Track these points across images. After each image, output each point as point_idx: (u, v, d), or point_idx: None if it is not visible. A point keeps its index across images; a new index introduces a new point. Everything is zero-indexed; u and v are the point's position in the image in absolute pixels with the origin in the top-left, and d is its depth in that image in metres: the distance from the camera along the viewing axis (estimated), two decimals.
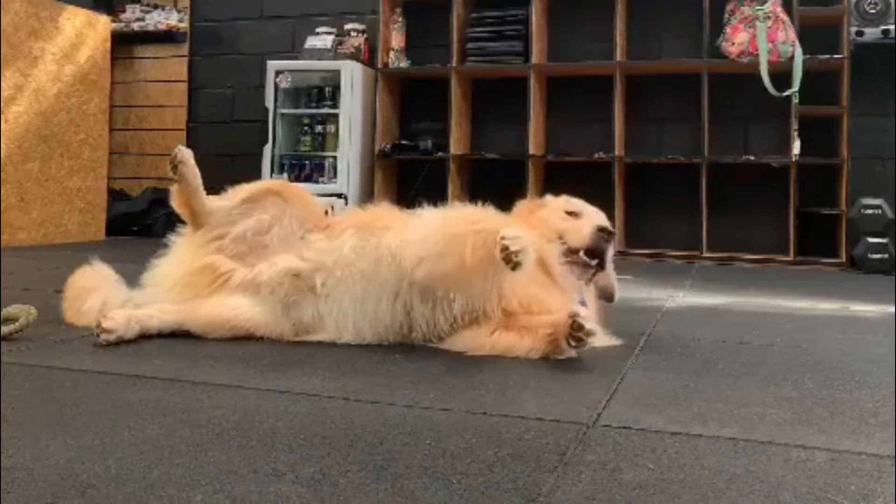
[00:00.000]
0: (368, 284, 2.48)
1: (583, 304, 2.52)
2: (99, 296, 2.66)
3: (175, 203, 2.67)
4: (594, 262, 2.61)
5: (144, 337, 2.42)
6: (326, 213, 2.97)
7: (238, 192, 2.72)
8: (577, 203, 2.78)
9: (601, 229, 2.61)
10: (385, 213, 2.74)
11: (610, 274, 2.72)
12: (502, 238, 2.18)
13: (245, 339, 2.46)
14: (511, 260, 2.17)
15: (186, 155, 2.62)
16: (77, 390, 1.88)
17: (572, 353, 2.31)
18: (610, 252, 2.67)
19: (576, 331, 2.23)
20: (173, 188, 2.66)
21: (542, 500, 1.27)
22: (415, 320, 2.46)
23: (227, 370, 2.11)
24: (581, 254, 2.59)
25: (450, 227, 2.37)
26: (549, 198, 2.86)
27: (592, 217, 2.70)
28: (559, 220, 2.70)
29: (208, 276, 2.55)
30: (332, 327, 2.50)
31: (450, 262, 2.30)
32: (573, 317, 2.25)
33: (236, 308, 2.49)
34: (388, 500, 1.25)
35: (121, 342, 2.35)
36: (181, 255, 2.66)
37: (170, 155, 2.63)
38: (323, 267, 2.52)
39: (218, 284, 2.54)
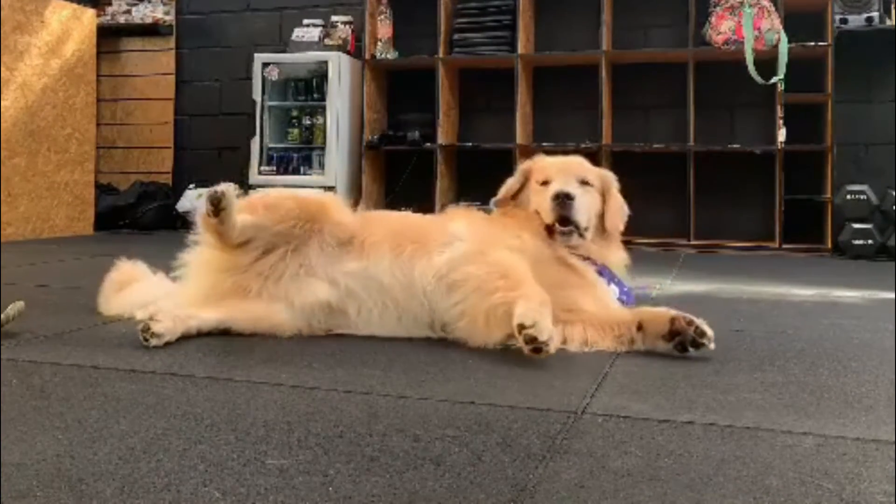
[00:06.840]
0: (403, 314, 2.48)
1: (612, 281, 2.57)
2: (138, 289, 2.71)
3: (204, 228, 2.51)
4: (568, 229, 2.59)
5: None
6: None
7: (269, 210, 2.55)
8: (548, 167, 2.74)
9: (555, 198, 2.58)
10: (412, 220, 2.74)
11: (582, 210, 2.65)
12: (522, 326, 2.09)
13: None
14: (541, 350, 2.09)
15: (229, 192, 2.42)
16: (66, 385, 1.88)
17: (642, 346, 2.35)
18: (578, 206, 2.60)
19: (699, 336, 2.25)
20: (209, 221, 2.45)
21: (531, 488, 1.28)
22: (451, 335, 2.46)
23: (218, 364, 2.11)
24: (556, 226, 2.59)
25: (472, 278, 2.36)
26: (538, 159, 2.82)
27: (554, 184, 2.65)
28: (536, 195, 2.69)
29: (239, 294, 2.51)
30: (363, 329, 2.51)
31: (469, 323, 2.35)
32: (682, 320, 2.27)
33: (275, 312, 2.47)
34: (378, 490, 1.26)
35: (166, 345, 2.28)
36: (202, 277, 2.58)
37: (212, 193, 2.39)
38: (355, 296, 2.49)
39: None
